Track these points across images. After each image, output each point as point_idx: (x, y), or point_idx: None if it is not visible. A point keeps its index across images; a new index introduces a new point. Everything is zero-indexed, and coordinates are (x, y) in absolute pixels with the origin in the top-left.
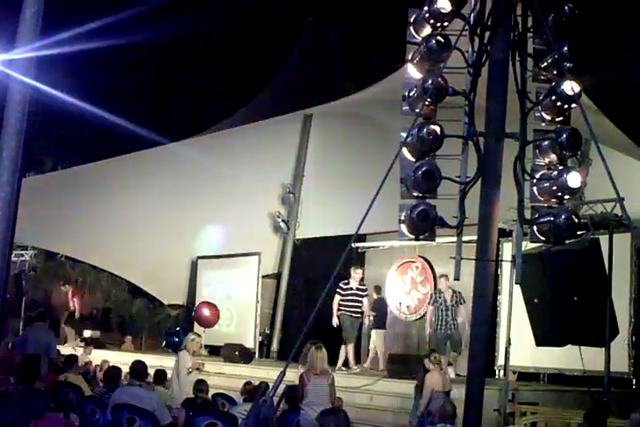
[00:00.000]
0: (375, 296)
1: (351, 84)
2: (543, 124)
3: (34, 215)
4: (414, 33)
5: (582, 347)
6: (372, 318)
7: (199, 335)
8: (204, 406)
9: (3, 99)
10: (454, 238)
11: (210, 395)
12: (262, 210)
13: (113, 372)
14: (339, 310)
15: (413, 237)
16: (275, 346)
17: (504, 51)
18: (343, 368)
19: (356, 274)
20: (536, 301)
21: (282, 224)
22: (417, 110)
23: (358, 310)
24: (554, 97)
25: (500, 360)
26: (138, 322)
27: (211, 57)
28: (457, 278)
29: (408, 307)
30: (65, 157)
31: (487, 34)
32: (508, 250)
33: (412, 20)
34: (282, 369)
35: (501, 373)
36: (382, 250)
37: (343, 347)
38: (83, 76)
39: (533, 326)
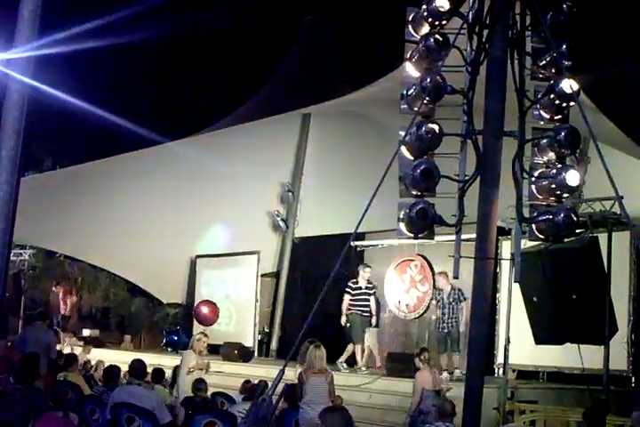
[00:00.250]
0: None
1: (349, 83)
2: (542, 123)
3: (33, 214)
4: (413, 31)
5: (581, 345)
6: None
7: (206, 335)
8: (203, 404)
9: (1, 98)
10: (453, 237)
11: (209, 394)
12: (261, 209)
13: (112, 371)
14: (348, 309)
15: (412, 235)
16: (274, 345)
17: (502, 49)
18: (344, 365)
19: (364, 273)
20: (535, 299)
21: (281, 223)
22: (415, 109)
23: (367, 309)
24: (552, 95)
25: (500, 358)
26: (137, 321)
27: (209, 56)
28: (456, 277)
29: (407, 305)
30: (64, 156)
31: (485, 32)
32: (506, 248)
33: (410, 18)
34: (281, 368)
35: (501, 371)
36: (381, 248)
37: (351, 346)
38: (81, 75)
39: (532, 325)
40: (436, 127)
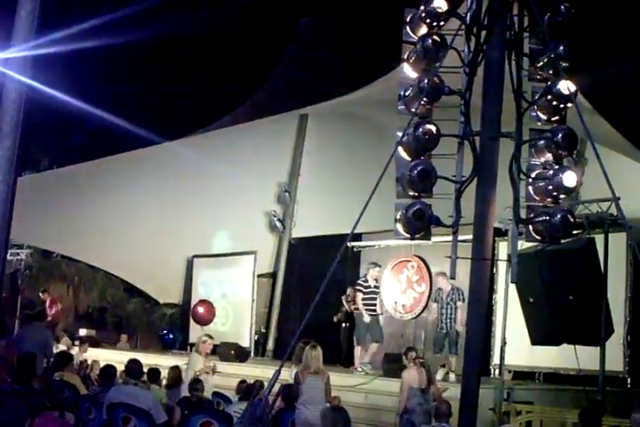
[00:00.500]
0: None
1: (347, 84)
2: (539, 124)
3: (30, 214)
4: (410, 32)
5: (577, 346)
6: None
7: (211, 337)
8: (199, 404)
9: None
10: (450, 238)
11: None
12: (258, 209)
13: (108, 371)
14: (356, 308)
15: (409, 236)
16: (270, 345)
17: (500, 50)
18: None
19: (374, 272)
20: (531, 300)
21: (278, 223)
22: (413, 110)
23: (375, 308)
24: (550, 96)
25: (496, 359)
26: (134, 321)
27: (206, 56)
28: (452, 278)
29: (404, 306)
30: (61, 155)
31: (483, 33)
32: (503, 249)
33: (408, 19)
34: (277, 368)
35: (497, 372)
36: (378, 249)
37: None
38: (79, 74)
39: (529, 326)
40: (433, 128)
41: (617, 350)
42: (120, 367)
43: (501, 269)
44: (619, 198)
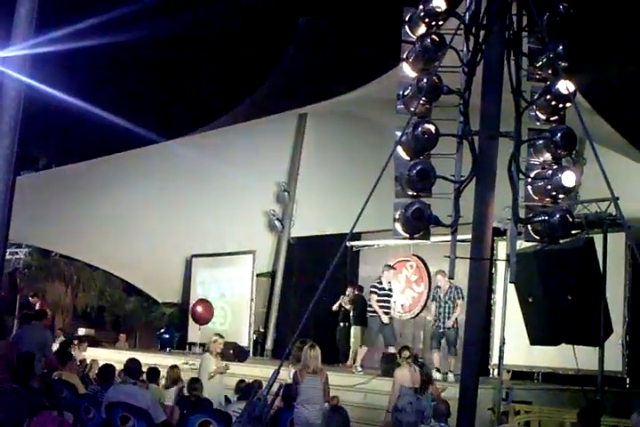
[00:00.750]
0: (356, 292)
1: (345, 83)
2: (538, 124)
3: (29, 213)
4: (409, 32)
5: (576, 346)
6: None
7: (221, 336)
8: (197, 404)
9: None
10: (449, 237)
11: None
12: (257, 208)
13: (107, 370)
14: (372, 310)
15: (408, 235)
16: (269, 344)
17: (499, 50)
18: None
19: (388, 274)
20: (530, 300)
21: (276, 223)
22: (412, 109)
23: (389, 310)
24: (549, 96)
25: (494, 359)
26: (132, 320)
27: (205, 55)
28: (451, 277)
29: (402, 306)
30: (60, 155)
31: (482, 33)
32: (502, 249)
33: (407, 18)
34: (276, 368)
35: (495, 372)
36: (377, 249)
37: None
38: (78, 73)
39: (527, 326)
40: (432, 128)
41: (616, 350)
42: (119, 367)
43: (500, 268)
44: (617, 198)
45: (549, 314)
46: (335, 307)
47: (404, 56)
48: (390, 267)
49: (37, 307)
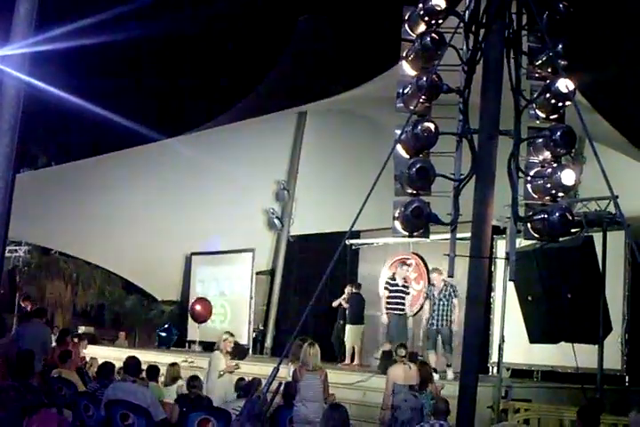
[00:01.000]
0: (353, 290)
1: (345, 82)
2: (537, 122)
3: (28, 211)
4: (409, 30)
5: (576, 344)
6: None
7: (232, 334)
8: (197, 402)
9: None
10: (448, 236)
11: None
12: (257, 206)
13: (106, 368)
14: (386, 307)
15: (407, 234)
16: (268, 342)
17: (499, 48)
18: None
19: (402, 271)
20: (530, 298)
21: (276, 221)
22: (411, 107)
23: (403, 307)
24: (548, 95)
25: (494, 357)
26: (132, 318)
27: (205, 53)
28: (451, 275)
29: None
30: (59, 152)
31: (482, 31)
32: (501, 247)
33: (406, 17)
34: (275, 365)
35: (495, 370)
36: (376, 247)
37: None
38: (77, 71)
39: (527, 324)
40: (431, 126)
41: (615, 349)
42: (118, 364)
43: (500, 267)
44: (617, 197)
45: (549, 312)
46: (335, 303)
47: (404, 54)
48: (404, 264)
49: (29, 309)
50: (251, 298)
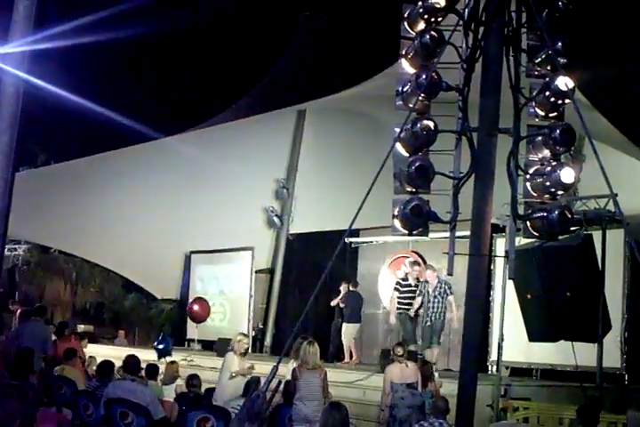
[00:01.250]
0: (350, 289)
1: (344, 80)
2: (537, 120)
3: (27, 210)
4: (408, 28)
5: (575, 342)
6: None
7: (245, 335)
8: (196, 400)
9: None
10: (447, 234)
11: (203, 389)
12: (256, 205)
13: (106, 366)
14: (397, 307)
15: (407, 232)
16: (268, 341)
17: (498, 46)
18: None
19: (413, 271)
20: (529, 296)
21: (275, 219)
22: (411, 105)
23: (411, 307)
24: (547, 93)
25: (493, 356)
26: (131, 317)
27: (204, 52)
28: (450, 274)
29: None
30: (59, 151)
31: (481, 29)
32: (501, 245)
33: (406, 15)
34: (274, 364)
35: (494, 368)
36: (376, 245)
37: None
38: (77, 69)
39: (526, 322)
40: (431, 124)
41: (614, 347)
42: (118, 363)
43: (499, 265)
44: (616, 195)
45: (548, 310)
46: (333, 303)
47: (403, 52)
48: (416, 263)
49: (17, 314)
50: (250, 296)
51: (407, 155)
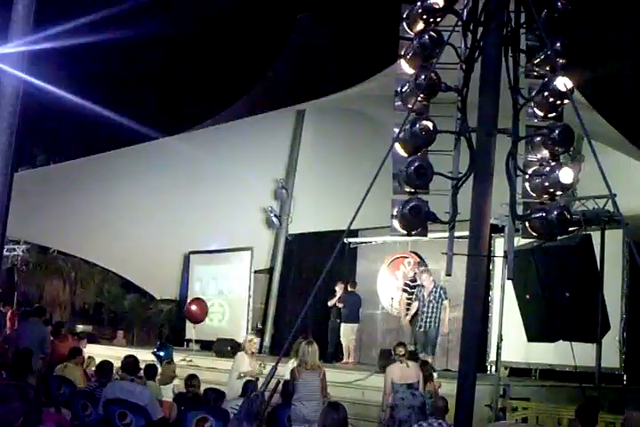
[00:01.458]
0: (349, 289)
1: (343, 80)
2: (536, 121)
3: (27, 210)
4: (407, 28)
5: (574, 343)
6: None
7: (257, 335)
8: (194, 400)
9: None
10: (446, 234)
11: (201, 390)
12: (255, 205)
13: (105, 366)
14: (406, 309)
15: (405, 232)
16: (267, 341)
17: (497, 46)
18: None
19: (422, 273)
20: (528, 296)
21: (274, 219)
22: (410, 106)
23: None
24: (546, 93)
25: (492, 356)
26: (130, 317)
27: (204, 52)
28: (449, 274)
29: (400, 302)
30: (58, 151)
31: (480, 30)
32: (500, 246)
33: (404, 15)
34: (273, 364)
35: (493, 368)
36: (374, 245)
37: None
38: (76, 70)
39: (525, 322)
40: (430, 124)
41: (613, 347)
42: (117, 363)
43: (498, 265)
44: (615, 195)
45: (547, 311)
46: (331, 303)
47: (402, 53)
48: (421, 263)
49: (9, 315)
50: (249, 297)
51: (406, 155)
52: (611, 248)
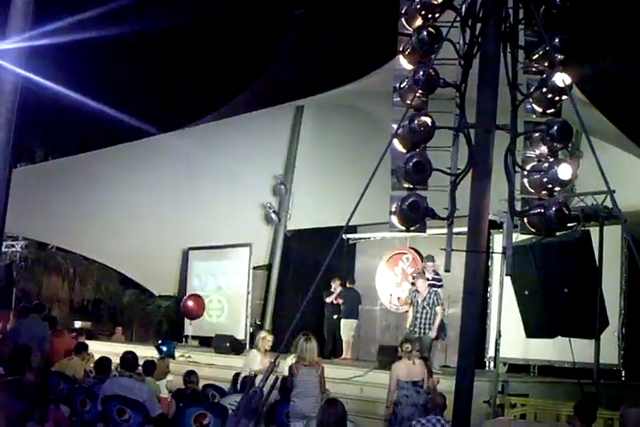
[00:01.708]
0: (347, 285)
1: (342, 76)
2: (534, 116)
3: (25, 206)
4: (405, 24)
5: (572, 339)
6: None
7: (270, 333)
8: (193, 397)
9: None
10: (445, 230)
11: (200, 386)
12: (254, 201)
13: (103, 363)
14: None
15: (404, 228)
16: None
17: (495, 42)
18: None
19: (429, 267)
20: (526, 292)
21: (273, 215)
22: (408, 102)
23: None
24: (545, 89)
25: (491, 352)
26: (129, 313)
27: (202, 48)
28: (447, 270)
29: (399, 298)
30: (56, 147)
31: (478, 25)
32: (498, 242)
33: (403, 11)
34: (272, 360)
35: (491, 364)
36: (373, 241)
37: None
38: (75, 65)
39: (524, 318)
40: (428, 120)
41: (612, 343)
42: (115, 360)
43: (496, 261)
44: (613, 191)
45: (545, 307)
46: (328, 300)
47: (401, 49)
48: (431, 258)
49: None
50: (248, 293)
51: (404, 151)
52: (609, 244)
